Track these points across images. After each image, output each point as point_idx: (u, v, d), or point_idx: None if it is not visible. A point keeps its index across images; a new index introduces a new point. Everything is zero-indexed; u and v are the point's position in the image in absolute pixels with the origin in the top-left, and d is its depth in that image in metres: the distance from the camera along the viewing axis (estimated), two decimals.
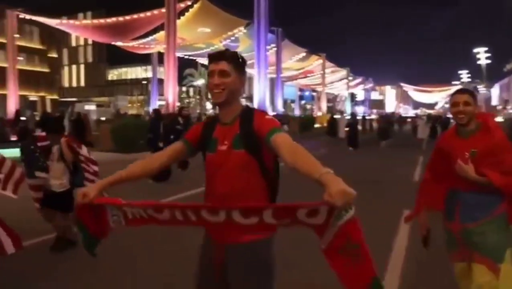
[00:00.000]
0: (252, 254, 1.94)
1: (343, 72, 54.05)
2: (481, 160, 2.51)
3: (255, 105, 21.95)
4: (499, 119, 22.05)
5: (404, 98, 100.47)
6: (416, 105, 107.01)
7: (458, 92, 2.72)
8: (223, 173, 1.94)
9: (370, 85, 74.77)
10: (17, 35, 27.41)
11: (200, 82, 58.03)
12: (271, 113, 22.33)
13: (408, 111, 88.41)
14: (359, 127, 32.34)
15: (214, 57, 1.97)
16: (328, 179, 1.49)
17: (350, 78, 57.63)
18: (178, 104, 22.38)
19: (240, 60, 2.01)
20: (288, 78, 45.06)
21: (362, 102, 75.14)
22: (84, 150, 4.88)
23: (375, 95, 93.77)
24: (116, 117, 22.41)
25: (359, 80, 65.02)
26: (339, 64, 51.60)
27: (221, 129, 2.01)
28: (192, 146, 2.11)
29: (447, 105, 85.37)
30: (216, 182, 1.99)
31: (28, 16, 27.23)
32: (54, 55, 62.81)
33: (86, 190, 1.90)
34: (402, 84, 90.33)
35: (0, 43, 42.00)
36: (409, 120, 42.07)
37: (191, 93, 71.82)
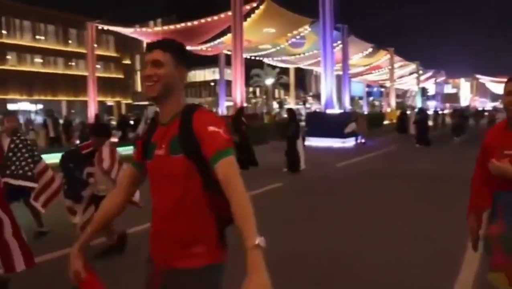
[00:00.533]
0: (196, 281, 1.59)
1: (412, 66, 51.85)
2: None
3: (322, 102, 21.80)
4: None
5: (480, 90, 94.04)
6: (495, 97, 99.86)
7: (510, 80, 2.45)
8: (162, 183, 1.64)
9: (442, 78, 70.87)
10: (96, 45, 29.49)
11: (268, 81, 58.60)
12: (338, 110, 22.06)
13: (485, 104, 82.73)
14: (431, 123, 31.00)
15: (149, 46, 1.72)
16: (250, 264, 1.34)
17: (420, 72, 55.11)
18: (245, 104, 22.80)
19: (181, 49, 1.74)
20: (355, 75, 44.11)
21: (434, 97, 71.46)
22: (106, 163, 4.67)
23: (448, 89, 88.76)
24: None
25: (430, 73, 61.93)
26: (408, 58, 49.57)
27: (160, 130, 1.70)
28: (141, 163, 1.79)
29: None
30: (155, 194, 1.69)
31: (106, 27, 29.19)
32: (128, 62, 66.72)
33: (75, 269, 1.67)
34: (477, 75, 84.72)
35: (81, 53, 45.29)
36: (486, 113, 39.41)
37: (258, 93, 72.68)
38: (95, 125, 5.19)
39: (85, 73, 29.79)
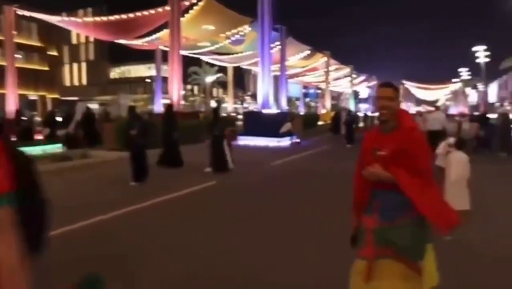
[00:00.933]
0: None
1: (347, 70, 53.83)
2: (397, 159, 2.41)
3: (259, 102, 21.75)
4: (494, 116, 21.88)
5: (406, 95, 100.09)
6: (419, 102, 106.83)
7: (381, 86, 2.61)
8: None
9: (374, 83, 74.47)
10: (15, 32, 26.95)
11: (206, 80, 57.93)
12: (275, 110, 22.14)
13: (410, 108, 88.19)
14: (362, 124, 32.37)
15: None
16: None
17: (354, 75, 57.43)
18: (183, 102, 22.20)
19: None
20: (292, 76, 44.90)
21: (366, 100, 74.87)
22: None
23: None
24: (104, 118, 21.24)
25: (363, 77, 64.77)
26: (343, 61, 51.39)
27: None
28: None
29: (448, 102, 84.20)
30: None
31: (27, 13, 26.88)
32: (54, 53, 61.83)
33: None
34: (404, 81, 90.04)
35: None
36: None
37: (196, 91, 71.74)
38: None
39: (3, 63, 26.77)
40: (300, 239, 5.41)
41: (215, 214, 6.76)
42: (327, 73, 45.97)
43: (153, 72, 43.07)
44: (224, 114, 29.22)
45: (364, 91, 74.29)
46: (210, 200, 7.85)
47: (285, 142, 19.56)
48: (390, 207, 2.46)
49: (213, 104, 59.60)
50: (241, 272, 4.26)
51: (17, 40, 28.90)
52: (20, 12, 26.08)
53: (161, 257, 4.67)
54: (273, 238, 5.42)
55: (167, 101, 23.01)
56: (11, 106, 24.31)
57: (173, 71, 21.31)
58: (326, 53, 43.19)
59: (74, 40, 70.45)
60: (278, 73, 29.45)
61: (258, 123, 19.97)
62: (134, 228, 5.89)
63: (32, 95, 53.77)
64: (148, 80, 61.80)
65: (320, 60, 43.19)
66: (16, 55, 27.61)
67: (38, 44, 55.26)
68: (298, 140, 20.29)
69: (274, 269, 4.36)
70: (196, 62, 48.66)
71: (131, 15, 24.79)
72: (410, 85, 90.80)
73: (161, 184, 9.05)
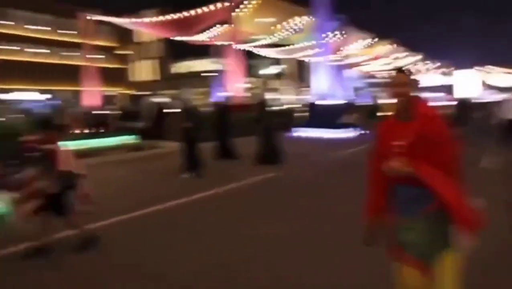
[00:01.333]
0: None
1: (417, 57, 51.65)
2: (416, 150, 2.28)
3: (320, 93, 21.48)
4: None
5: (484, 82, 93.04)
6: (501, 90, 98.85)
7: (396, 71, 2.50)
8: None
9: (452, 69, 70.00)
10: (95, 35, 29.09)
11: (265, 72, 58.20)
12: (336, 101, 21.78)
13: (492, 96, 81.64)
14: None
15: None
16: None
17: (428, 62, 54.78)
18: (244, 94, 22.51)
19: None
20: (355, 65, 43.84)
21: (437, 88, 70.98)
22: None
23: (449, 80, 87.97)
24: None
25: (437, 64, 61.72)
26: (413, 48, 49.40)
27: None
28: None
29: None
30: None
31: (101, 18, 28.76)
32: (126, 52, 66.35)
33: None
34: (488, 66, 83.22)
35: (76, 43, 44.44)
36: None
37: (255, 84, 72.27)
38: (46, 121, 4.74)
39: (84, 63, 29.11)
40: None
41: (271, 207, 6.53)
42: (395, 60, 44.39)
43: (214, 67, 44.06)
44: (281, 107, 29.26)
45: (435, 78, 70.20)
46: (268, 193, 7.62)
47: (350, 133, 19.11)
48: (408, 203, 2.35)
49: (271, 96, 59.76)
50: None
51: (96, 42, 31.00)
52: (95, 17, 27.97)
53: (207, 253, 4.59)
54: (337, 242, 4.90)
55: (227, 94, 23.56)
56: (92, 101, 26.27)
57: (233, 65, 21.67)
58: (393, 40, 41.74)
59: (140, 39, 73.88)
60: (339, 63, 28.88)
61: (319, 114, 19.71)
62: (189, 220, 5.92)
63: (109, 91, 57.83)
64: (209, 74, 63.29)
65: (384, 48, 41.83)
66: (95, 56, 29.81)
67: (113, 44, 59.90)
68: (364, 131, 19.77)
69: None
70: (255, 55, 48.98)
71: (192, 12, 25.55)
72: (490, 70, 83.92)
73: (218, 176, 9.15)
